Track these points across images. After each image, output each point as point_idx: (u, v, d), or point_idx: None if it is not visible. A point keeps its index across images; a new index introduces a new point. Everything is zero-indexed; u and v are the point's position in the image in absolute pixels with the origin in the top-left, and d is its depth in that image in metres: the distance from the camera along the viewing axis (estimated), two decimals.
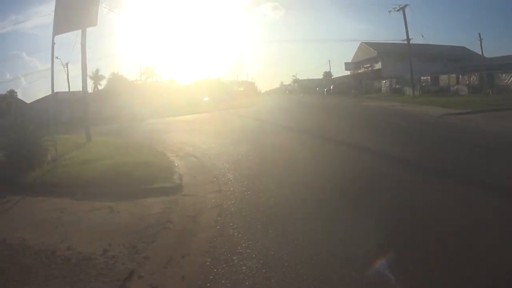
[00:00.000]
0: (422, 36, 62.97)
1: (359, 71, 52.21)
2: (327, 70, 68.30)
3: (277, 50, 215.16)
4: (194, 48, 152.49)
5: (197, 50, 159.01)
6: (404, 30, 33.89)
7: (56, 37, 10.76)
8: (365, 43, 54.68)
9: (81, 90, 13.65)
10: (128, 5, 77.93)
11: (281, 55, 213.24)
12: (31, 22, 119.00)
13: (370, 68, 52.06)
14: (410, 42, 56.74)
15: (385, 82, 41.14)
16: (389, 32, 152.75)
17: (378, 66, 50.75)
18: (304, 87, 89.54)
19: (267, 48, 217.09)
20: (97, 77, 64.85)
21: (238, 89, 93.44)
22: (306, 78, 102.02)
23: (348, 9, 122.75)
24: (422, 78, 34.50)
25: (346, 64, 45.58)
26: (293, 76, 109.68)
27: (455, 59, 54.19)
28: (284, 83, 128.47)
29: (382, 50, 51.11)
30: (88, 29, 11.14)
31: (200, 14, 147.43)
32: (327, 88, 50.35)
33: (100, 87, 57.34)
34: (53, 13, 10.68)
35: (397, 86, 38.53)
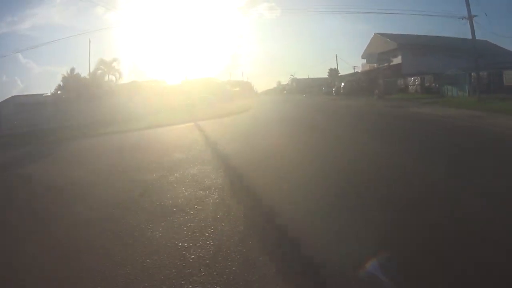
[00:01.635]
0: (486, 15, 51.61)
1: (379, 65, 42.72)
2: (332, 67, 58.54)
3: (274, 50, 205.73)
4: (186, 47, 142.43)
5: (189, 49, 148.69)
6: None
7: None
8: (381, 34, 45.28)
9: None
10: (124, 5, 69.17)
11: (277, 54, 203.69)
12: (28, 23, 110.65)
13: (386, 64, 42.71)
14: (430, 35, 47.40)
15: (415, 80, 31.64)
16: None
17: (397, 60, 41.34)
18: (304, 86, 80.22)
19: (264, 48, 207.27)
20: (73, 77, 55.87)
21: (233, 89, 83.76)
22: (306, 77, 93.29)
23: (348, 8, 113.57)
24: (473, 74, 25.12)
25: (369, 55, 36.09)
26: (291, 75, 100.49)
27: (481, 54, 45.14)
28: (282, 83, 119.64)
29: (403, 42, 41.79)
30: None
31: (194, 14, 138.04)
32: (336, 87, 40.83)
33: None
34: None
35: (432, 85, 29.15)
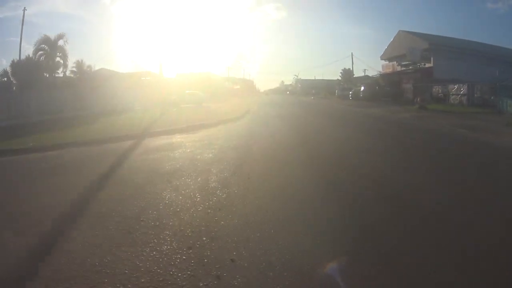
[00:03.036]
0: None
1: (403, 68, 35.43)
2: (334, 69, 51.32)
3: (278, 49, 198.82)
4: (187, 41, 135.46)
5: (189, 43, 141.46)
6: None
7: None
8: (407, 32, 38.02)
9: None
10: None
11: (281, 54, 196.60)
12: (31, 9, 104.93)
13: (411, 67, 35.48)
14: (462, 38, 40.07)
15: (459, 88, 24.37)
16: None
17: (427, 63, 34.10)
18: (309, 87, 73.18)
19: (267, 47, 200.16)
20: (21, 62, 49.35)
21: (233, 87, 76.83)
22: (309, 78, 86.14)
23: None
24: None
25: (411, 50, 28.48)
26: (295, 75, 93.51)
27: None
28: (285, 83, 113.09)
29: (435, 42, 34.58)
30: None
31: (201, 12, 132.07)
32: (354, 91, 33.53)
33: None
34: None
35: (486, 96, 22.04)
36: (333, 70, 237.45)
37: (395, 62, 35.91)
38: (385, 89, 31.07)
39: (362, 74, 53.92)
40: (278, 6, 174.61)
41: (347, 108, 21.96)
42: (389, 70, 36.83)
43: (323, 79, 76.58)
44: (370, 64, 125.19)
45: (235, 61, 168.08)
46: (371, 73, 48.19)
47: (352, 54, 44.17)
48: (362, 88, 31.50)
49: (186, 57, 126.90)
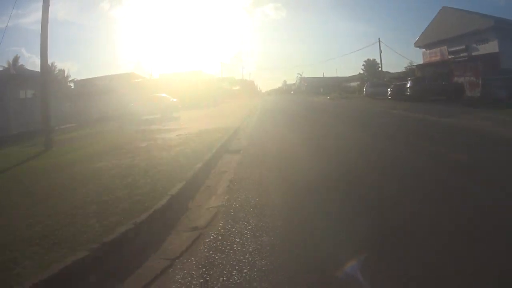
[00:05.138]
0: None
1: (450, 56, 26.30)
2: (337, 68, 42.40)
3: (279, 49, 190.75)
4: (187, 42, 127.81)
5: (190, 44, 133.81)
6: None
7: None
8: (455, 9, 28.91)
9: None
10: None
11: (283, 54, 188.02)
12: (32, 17, 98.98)
13: (464, 53, 26.49)
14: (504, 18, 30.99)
15: None
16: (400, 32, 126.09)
17: (488, 48, 24.99)
18: (316, 86, 64.39)
19: (268, 47, 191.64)
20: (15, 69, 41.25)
21: (232, 88, 67.91)
22: (315, 76, 77.39)
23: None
24: None
25: None
26: (298, 74, 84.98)
27: None
28: (288, 82, 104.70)
29: (499, 21, 25.57)
30: None
31: (199, 12, 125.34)
32: (394, 88, 24.25)
33: None
34: None
35: None
36: (339, 67, 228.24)
37: (444, 48, 26.88)
38: (439, 84, 22.03)
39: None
40: (277, 6, 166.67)
41: (414, 117, 12.85)
42: (435, 59, 27.70)
43: (332, 77, 67.72)
44: (385, 57, 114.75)
45: (234, 61, 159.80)
46: (385, 68, 39.28)
47: (379, 40, 34.82)
48: (409, 83, 22.31)
49: (185, 58, 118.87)
